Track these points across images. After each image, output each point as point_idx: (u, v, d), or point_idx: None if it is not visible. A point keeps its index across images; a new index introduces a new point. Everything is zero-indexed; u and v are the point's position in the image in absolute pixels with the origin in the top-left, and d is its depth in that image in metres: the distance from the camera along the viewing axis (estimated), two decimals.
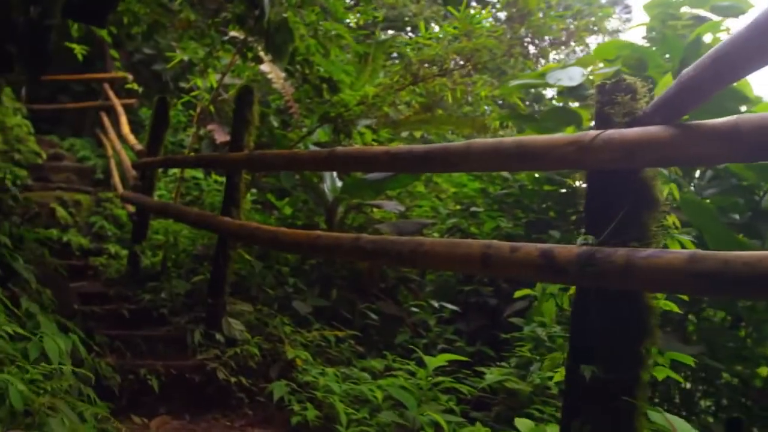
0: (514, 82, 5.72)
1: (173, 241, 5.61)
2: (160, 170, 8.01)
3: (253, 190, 7.12)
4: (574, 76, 5.64)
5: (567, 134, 1.95)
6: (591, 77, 5.62)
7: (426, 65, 7.50)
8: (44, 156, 7.89)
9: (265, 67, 7.91)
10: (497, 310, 4.69)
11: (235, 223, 3.66)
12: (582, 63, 5.87)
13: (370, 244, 2.45)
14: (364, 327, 4.94)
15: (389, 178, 5.13)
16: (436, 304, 4.53)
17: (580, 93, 5.66)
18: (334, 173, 5.39)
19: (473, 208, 5.00)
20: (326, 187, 5.27)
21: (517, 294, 3.92)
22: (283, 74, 7.91)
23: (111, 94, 8.87)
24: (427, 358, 3.32)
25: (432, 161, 2.42)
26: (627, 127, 1.82)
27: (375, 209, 5.61)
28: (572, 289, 2.22)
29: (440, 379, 3.42)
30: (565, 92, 5.77)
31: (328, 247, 2.74)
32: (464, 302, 4.92)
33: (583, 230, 2.06)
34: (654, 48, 4.97)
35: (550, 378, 3.21)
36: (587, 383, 1.82)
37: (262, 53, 6.26)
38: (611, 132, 1.83)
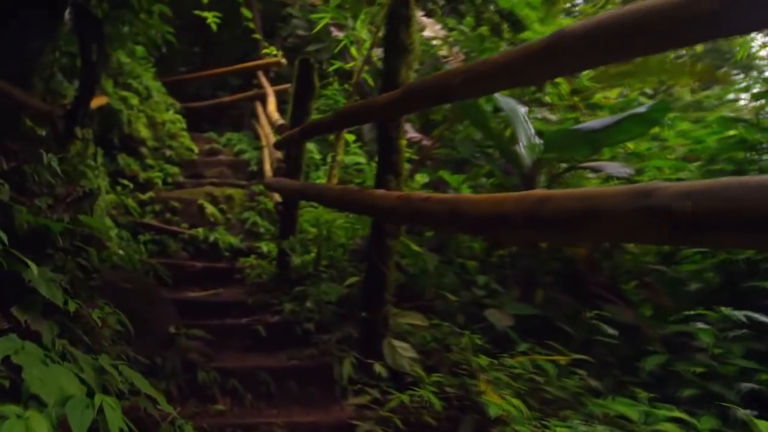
0: None
1: (326, 234, 4.51)
2: (318, 157, 7.07)
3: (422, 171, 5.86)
4: None
5: None
6: None
7: None
8: (196, 151, 7.34)
9: (428, 33, 6.71)
10: None
11: (391, 196, 2.31)
12: None
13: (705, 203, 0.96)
14: (587, 343, 3.38)
15: (611, 127, 3.51)
16: (741, 315, 2.77)
17: None
18: (531, 129, 3.86)
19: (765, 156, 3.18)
20: (521, 147, 3.76)
21: None
22: (451, 39, 6.64)
23: (263, 80, 8.16)
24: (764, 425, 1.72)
25: None
26: None
27: (590, 174, 4.00)
28: None
29: None
30: None
31: (572, 220, 1.26)
32: (749, 303, 3.14)
33: None
34: None
35: None
36: None
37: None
38: None
